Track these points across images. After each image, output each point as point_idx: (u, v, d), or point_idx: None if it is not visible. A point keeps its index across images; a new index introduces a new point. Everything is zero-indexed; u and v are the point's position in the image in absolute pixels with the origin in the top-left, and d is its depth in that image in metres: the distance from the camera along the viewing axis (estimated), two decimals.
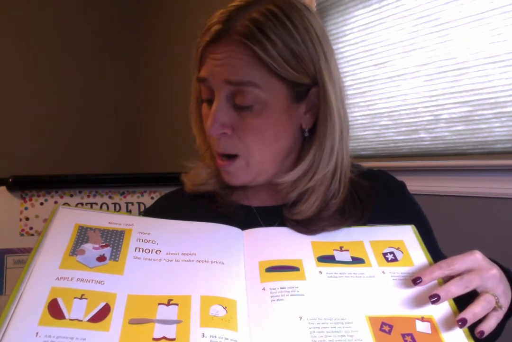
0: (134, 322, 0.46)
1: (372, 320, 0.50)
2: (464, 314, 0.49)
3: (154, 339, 0.45)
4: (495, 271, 0.53)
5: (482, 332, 0.49)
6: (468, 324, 0.49)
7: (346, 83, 1.81)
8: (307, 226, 0.63)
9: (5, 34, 2.87)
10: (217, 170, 0.72)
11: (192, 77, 0.71)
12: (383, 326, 0.49)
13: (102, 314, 0.47)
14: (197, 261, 0.55)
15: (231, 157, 0.66)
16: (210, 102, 0.65)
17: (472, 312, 0.49)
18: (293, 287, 0.53)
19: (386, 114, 1.69)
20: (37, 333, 0.44)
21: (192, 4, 2.71)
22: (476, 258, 0.53)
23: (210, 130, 0.63)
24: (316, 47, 0.63)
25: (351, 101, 1.78)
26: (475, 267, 0.53)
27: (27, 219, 1.38)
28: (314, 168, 0.66)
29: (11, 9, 2.88)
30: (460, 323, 0.49)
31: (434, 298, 0.50)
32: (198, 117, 0.72)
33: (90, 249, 0.54)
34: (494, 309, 0.51)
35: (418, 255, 0.57)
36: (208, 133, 0.64)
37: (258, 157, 0.65)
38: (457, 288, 0.50)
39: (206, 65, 0.64)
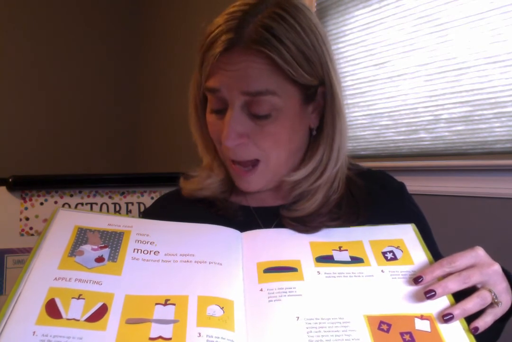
0: (131, 321, 0.47)
1: (370, 319, 0.49)
2: (451, 309, 0.49)
3: (150, 338, 0.45)
4: (497, 267, 0.53)
5: (476, 328, 0.49)
6: (455, 319, 0.48)
7: (346, 83, 1.81)
8: (306, 223, 0.64)
9: (5, 35, 2.87)
10: (226, 178, 0.72)
11: (193, 69, 0.69)
12: (382, 325, 0.49)
13: (99, 314, 0.47)
14: (195, 262, 0.55)
15: (251, 163, 0.65)
16: (219, 111, 0.64)
17: (461, 308, 0.49)
18: (291, 288, 0.53)
19: (386, 114, 1.69)
20: (34, 332, 0.44)
21: (193, 4, 2.71)
22: (477, 254, 0.53)
23: (227, 142, 0.62)
24: (322, 48, 0.63)
25: (351, 101, 1.79)
26: (477, 263, 0.52)
27: (27, 219, 1.38)
28: (323, 167, 0.66)
29: (11, 9, 2.88)
30: (445, 318, 0.48)
31: (430, 293, 0.50)
32: (198, 124, 0.71)
33: (88, 250, 0.54)
34: (491, 305, 0.51)
35: (418, 254, 0.57)
36: (224, 144, 0.63)
37: (275, 160, 0.65)
38: (454, 284, 0.50)
39: (217, 75, 0.61)
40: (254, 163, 0.65)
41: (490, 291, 0.51)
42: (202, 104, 0.69)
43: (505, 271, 0.56)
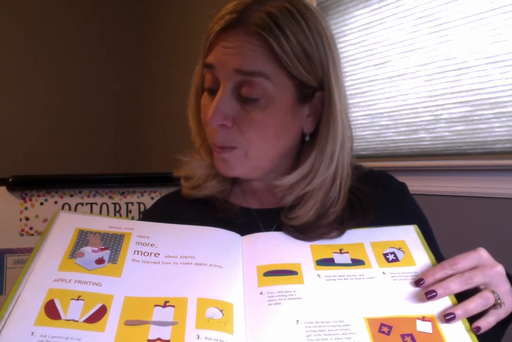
0: (129, 323, 0.47)
1: (371, 321, 0.49)
2: (453, 309, 0.49)
3: (149, 340, 0.45)
4: (500, 268, 0.52)
5: (478, 328, 0.48)
6: (457, 319, 0.48)
7: (346, 83, 1.81)
8: (304, 232, 0.62)
9: (5, 34, 2.87)
10: (212, 164, 0.70)
11: (194, 69, 0.69)
12: (382, 327, 0.48)
13: (98, 315, 0.47)
14: (195, 264, 0.55)
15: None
16: (211, 91, 0.64)
17: (464, 308, 0.49)
18: (291, 291, 0.52)
19: (386, 114, 1.69)
20: (32, 332, 0.44)
21: (193, 4, 2.71)
22: (480, 256, 0.52)
23: (210, 120, 0.61)
24: (326, 51, 0.63)
25: (351, 101, 1.78)
26: (479, 264, 0.52)
27: (27, 219, 1.38)
28: (314, 173, 0.65)
29: (11, 9, 2.88)
30: (447, 318, 0.48)
31: (431, 294, 0.50)
32: (196, 107, 0.71)
33: (89, 252, 0.54)
34: (494, 306, 0.50)
35: (420, 255, 0.57)
36: (208, 123, 0.63)
37: (256, 151, 0.64)
38: (456, 285, 0.50)
39: (215, 52, 0.62)
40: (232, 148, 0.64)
41: (493, 292, 0.50)
42: (203, 89, 0.69)
43: (507, 274, 0.55)
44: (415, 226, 0.62)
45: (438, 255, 0.66)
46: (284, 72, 0.61)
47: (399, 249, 0.58)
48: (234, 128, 0.62)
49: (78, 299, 0.48)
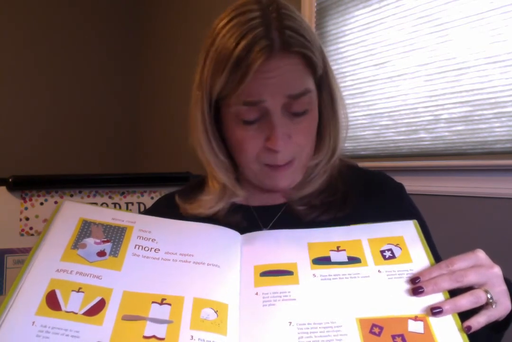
0: (127, 318, 0.47)
1: (363, 322, 0.49)
2: (442, 303, 0.48)
3: (144, 337, 0.45)
4: (497, 269, 0.52)
5: (469, 327, 0.47)
6: (444, 314, 0.48)
7: (346, 83, 1.81)
8: (308, 202, 0.67)
9: (5, 34, 2.87)
10: (255, 192, 0.72)
11: (193, 69, 0.68)
12: (374, 328, 0.48)
13: (97, 308, 0.47)
14: (194, 263, 0.55)
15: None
16: (253, 121, 0.63)
17: (453, 303, 0.48)
18: (286, 292, 0.52)
19: (386, 114, 1.69)
20: (33, 322, 0.45)
21: (193, 4, 2.71)
22: (477, 257, 0.52)
23: (280, 147, 0.62)
24: (316, 36, 0.66)
25: (351, 101, 1.79)
26: (476, 265, 0.51)
27: (27, 219, 1.38)
28: (332, 148, 0.69)
29: (11, 9, 2.88)
30: (434, 311, 0.48)
31: (419, 290, 0.49)
32: (210, 146, 0.68)
33: (91, 244, 0.54)
34: (486, 307, 0.49)
35: (417, 251, 0.56)
36: (276, 149, 0.62)
37: (307, 153, 0.67)
38: (445, 282, 0.49)
39: (258, 86, 0.60)
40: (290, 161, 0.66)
41: (486, 291, 0.49)
42: (213, 124, 0.67)
43: (505, 279, 0.55)
44: (415, 221, 0.61)
45: (436, 256, 0.66)
46: (314, 75, 0.64)
47: (396, 245, 0.57)
48: (292, 143, 0.64)
49: (78, 291, 0.48)
